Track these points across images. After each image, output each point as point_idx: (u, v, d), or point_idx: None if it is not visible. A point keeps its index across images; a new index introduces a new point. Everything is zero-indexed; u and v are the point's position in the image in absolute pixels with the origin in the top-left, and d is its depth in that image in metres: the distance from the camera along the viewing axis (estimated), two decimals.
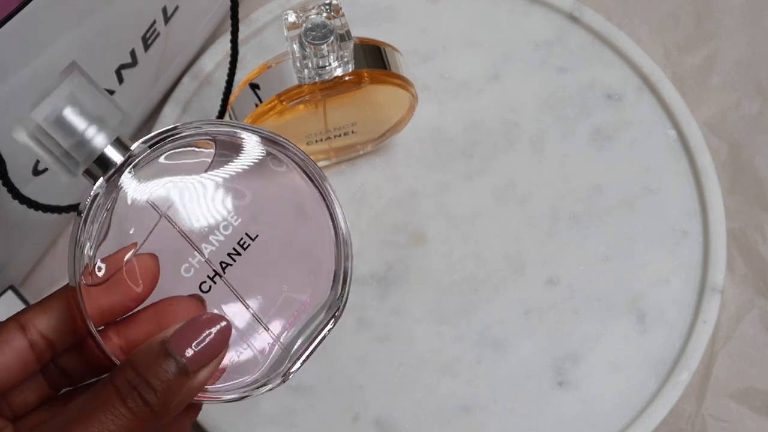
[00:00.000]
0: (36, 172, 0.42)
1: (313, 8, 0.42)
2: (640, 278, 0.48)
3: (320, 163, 0.50)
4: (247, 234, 0.33)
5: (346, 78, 0.43)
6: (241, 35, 0.52)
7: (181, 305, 0.31)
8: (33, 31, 0.36)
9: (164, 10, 0.46)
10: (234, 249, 0.32)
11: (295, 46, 0.42)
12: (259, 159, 0.34)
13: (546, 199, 0.50)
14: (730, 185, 0.51)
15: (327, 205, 0.34)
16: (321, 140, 0.48)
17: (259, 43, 0.54)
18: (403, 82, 0.45)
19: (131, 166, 0.31)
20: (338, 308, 0.34)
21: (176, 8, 0.47)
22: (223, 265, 0.32)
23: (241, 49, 0.52)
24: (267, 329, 0.33)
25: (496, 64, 0.53)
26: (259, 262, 0.33)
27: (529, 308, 0.48)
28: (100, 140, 0.31)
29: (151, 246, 0.31)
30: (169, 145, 0.32)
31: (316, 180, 0.34)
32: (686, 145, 0.51)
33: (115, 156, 0.31)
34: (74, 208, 0.44)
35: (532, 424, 0.45)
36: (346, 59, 0.42)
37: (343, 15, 0.42)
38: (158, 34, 0.47)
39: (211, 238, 0.32)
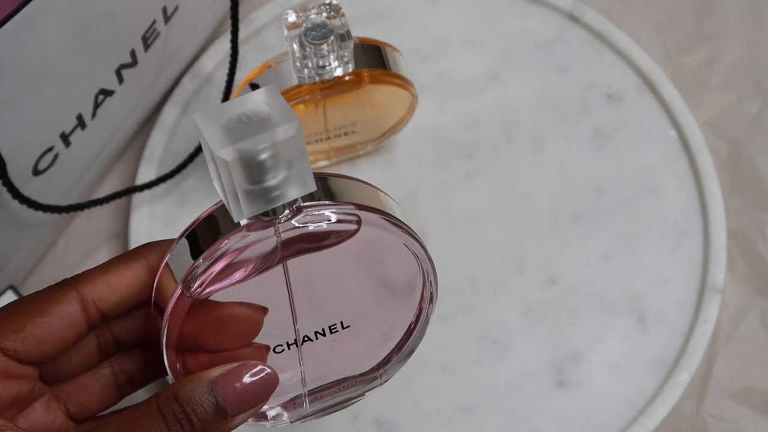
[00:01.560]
0: (36, 172, 0.42)
1: (313, 8, 0.42)
2: (641, 278, 0.48)
3: (320, 163, 0.50)
4: (341, 323, 0.32)
5: (346, 78, 0.43)
6: (241, 35, 0.52)
7: (244, 323, 0.31)
8: (33, 31, 0.36)
9: (164, 10, 0.46)
10: (323, 330, 0.32)
11: (295, 45, 0.42)
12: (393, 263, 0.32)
13: (546, 199, 0.50)
14: (730, 185, 0.51)
15: (419, 318, 0.34)
16: (321, 140, 0.48)
17: (259, 43, 0.54)
18: (403, 82, 0.45)
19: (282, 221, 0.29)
20: (365, 391, 0.34)
21: (176, 8, 0.47)
22: (305, 338, 0.32)
23: (241, 49, 0.52)
24: (306, 396, 0.33)
25: (496, 64, 0.53)
26: (338, 347, 0.32)
27: (529, 308, 0.48)
28: (275, 198, 0.27)
29: (253, 286, 0.29)
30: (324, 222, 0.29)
31: (430, 295, 0.33)
32: (686, 145, 0.51)
33: (280, 212, 0.28)
34: (74, 208, 0.44)
35: (532, 424, 0.45)
36: (346, 59, 0.42)
37: (343, 15, 0.42)
38: (158, 34, 0.47)
39: (309, 312, 0.31)
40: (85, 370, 0.32)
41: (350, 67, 0.43)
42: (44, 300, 0.30)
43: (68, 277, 0.31)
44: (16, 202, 0.40)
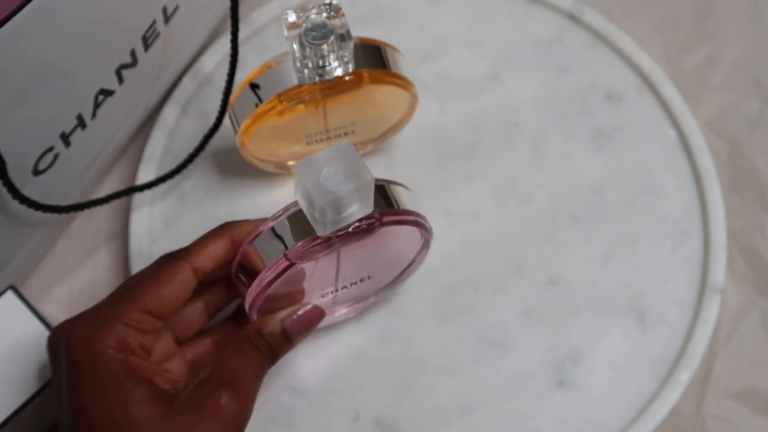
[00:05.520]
0: (36, 172, 0.42)
1: (313, 8, 0.42)
2: (640, 278, 0.48)
3: None
4: (368, 276, 0.44)
5: (346, 78, 0.43)
6: (241, 35, 0.52)
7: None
8: (33, 31, 0.36)
9: (164, 10, 0.46)
10: (354, 282, 0.43)
11: (295, 46, 0.42)
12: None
13: (546, 199, 0.50)
14: (730, 185, 0.51)
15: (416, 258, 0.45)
16: (321, 140, 0.48)
17: (259, 43, 0.54)
18: (403, 82, 0.45)
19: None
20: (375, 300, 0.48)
21: (176, 8, 0.47)
22: (342, 287, 0.43)
23: (241, 49, 0.52)
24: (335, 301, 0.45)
25: (496, 64, 0.53)
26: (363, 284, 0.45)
27: (529, 308, 0.48)
28: (348, 219, 0.37)
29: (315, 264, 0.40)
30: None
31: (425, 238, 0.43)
32: (686, 145, 0.51)
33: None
34: (74, 208, 0.44)
35: (532, 424, 0.45)
36: (346, 59, 0.42)
37: (343, 15, 0.42)
38: (158, 34, 0.47)
39: (349, 277, 0.42)
40: (185, 306, 0.43)
41: (350, 68, 0.43)
42: (167, 272, 0.40)
43: (174, 250, 0.41)
44: (16, 202, 0.40)
